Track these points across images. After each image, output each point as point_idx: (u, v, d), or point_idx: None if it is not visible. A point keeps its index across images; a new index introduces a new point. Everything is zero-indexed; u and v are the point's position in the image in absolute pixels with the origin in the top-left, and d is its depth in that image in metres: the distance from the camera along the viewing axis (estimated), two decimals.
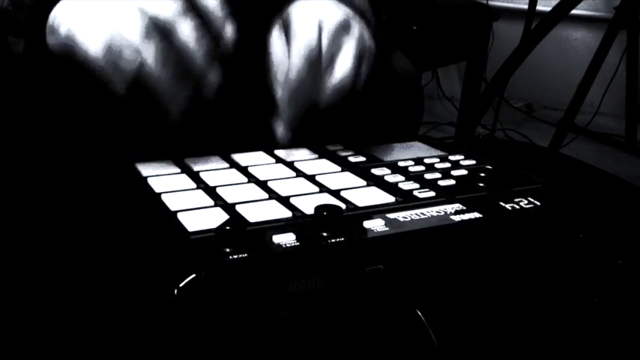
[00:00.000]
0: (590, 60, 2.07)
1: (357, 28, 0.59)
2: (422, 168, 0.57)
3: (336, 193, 0.50)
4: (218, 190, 0.49)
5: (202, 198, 0.48)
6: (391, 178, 0.54)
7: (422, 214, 0.46)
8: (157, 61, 0.51)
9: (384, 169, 0.56)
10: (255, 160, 0.57)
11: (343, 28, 0.58)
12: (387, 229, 0.43)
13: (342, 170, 0.55)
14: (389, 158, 0.60)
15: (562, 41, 2.71)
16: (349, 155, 0.60)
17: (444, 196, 0.50)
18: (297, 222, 0.44)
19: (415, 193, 0.51)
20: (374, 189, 0.51)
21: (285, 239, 0.41)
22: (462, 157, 0.60)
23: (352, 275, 0.40)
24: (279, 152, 0.59)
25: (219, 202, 0.47)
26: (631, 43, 2.33)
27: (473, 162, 0.59)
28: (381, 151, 0.62)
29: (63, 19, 0.54)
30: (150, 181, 0.51)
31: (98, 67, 0.51)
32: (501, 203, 0.49)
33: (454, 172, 0.56)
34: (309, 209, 0.46)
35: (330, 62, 0.58)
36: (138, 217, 0.48)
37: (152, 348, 0.37)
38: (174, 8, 0.52)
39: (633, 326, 0.45)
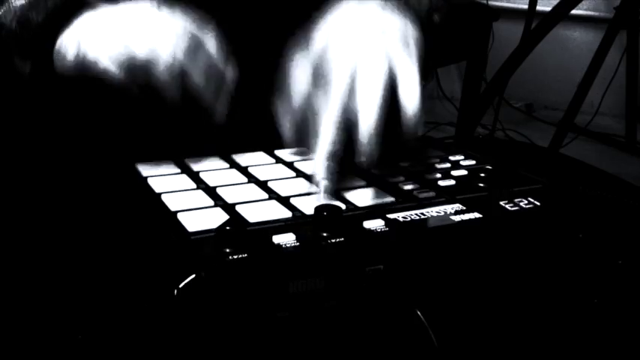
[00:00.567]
0: (590, 60, 2.07)
1: (358, 23, 0.59)
2: (422, 168, 0.57)
3: (336, 193, 0.50)
4: (218, 190, 0.49)
5: (202, 198, 0.48)
6: (391, 178, 0.54)
7: (422, 214, 0.46)
8: (166, 69, 0.51)
9: (384, 169, 0.56)
10: (255, 160, 0.57)
11: (342, 22, 0.57)
12: (387, 229, 0.43)
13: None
14: (389, 158, 0.59)
15: (562, 41, 2.70)
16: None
17: (444, 196, 0.50)
18: (297, 222, 0.44)
19: (415, 193, 0.50)
20: (374, 189, 0.51)
21: (285, 239, 0.41)
22: (462, 157, 0.60)
23: (352, 275, 0.40)
24: (279, 152, 0.59)
25: (219, 202, 0.47)
26: (631, 43, 2.33)
27: (473, 162, 0.59)
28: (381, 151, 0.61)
29: (69, 45, 0.54)
30: (150, 181, 0.51)
31: (112, 81, 0.52)
32: (501, 203, 0.49)
33: (454, 172, 0.56)
34: (309, 209, 0.46)
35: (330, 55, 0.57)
36: (138, 217, 0.48)
37: (152, 348, 0.37)
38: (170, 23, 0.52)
39: (633, 326, 0.45)
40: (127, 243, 0.44)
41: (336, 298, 0.40)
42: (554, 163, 0.86)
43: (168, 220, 0.44)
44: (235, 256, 0.38)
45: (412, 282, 0.42)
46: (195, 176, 0.52)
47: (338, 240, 0.41)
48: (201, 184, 0.51)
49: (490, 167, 0.57)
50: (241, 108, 0.56)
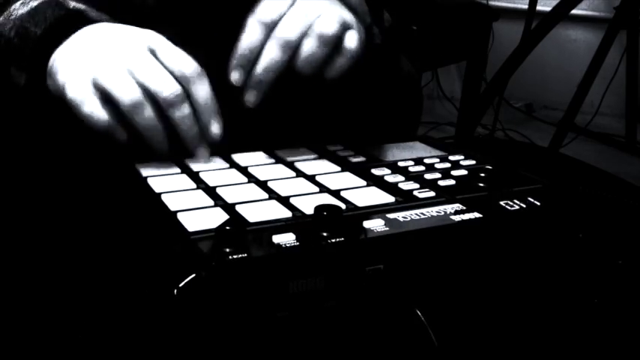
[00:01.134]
0: (590, 60, 2.07)
1: (353, 25, 0.59)
2: (422, 168, 0.57)
3: (336, 193, 0.50)
4: (218, 190, 0.49)
5: (202, 198, 0.48)
6: (391, 178, 0.54)
7: (422, 214, 0.46)
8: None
9: (384, 169, 0.56)
10: (255, 160, 0.57)
11: (338, 25, 0.58)
12: (387, 229, 0.43)
13: (342, 170, 0.55)
14: (389, 158, 0.60)
15: (562, 41, 2.71)
16: (349, 155, 0.60)
17: (444, 196, 0.50)
18: (297, 222, 0.44)
19: (415, 193, 0.51)
20: (374, 189, 0.51)
21: (285, 239, 0.41)
22: (462, 157, 0.60)
23: (352, 275, 0.40)
24: (279, 152, 0.59)
25: (219, 202, 0.47)
26: (631, 43, 2.33)
27: (473, 162, 0.59)
28: (381, 151, 0.62)
29: (59, 67, 0.55)
30: (150, 181, 0.51)
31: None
32: (501, 203, 0.49)
33: (454, 172, 0.56)
34: (309, 209, 0.46)
35: (328, 58, 0.58)
36: (138, 217, 0.48)
37: (152, 348, 0.37)
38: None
39: (633, 326, 0.45)
40: (127, 243, 0.44)
41: (336, 298, 0.40)
42: (554, 163, 0.86)
43: (168, 220, 0.44)
44: (235, 256, 0.38)
45: (412, 282, 0.42)
46: (195, 176, 0.52)
47: (338, 240, 0.41)
48: (201, 184, 0.51)
49: (490, 167, 0.57)
50: (241, 108, 0.56)
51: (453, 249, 0.44)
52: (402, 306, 0.41)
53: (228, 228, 0.39)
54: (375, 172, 0.55)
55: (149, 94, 0.52)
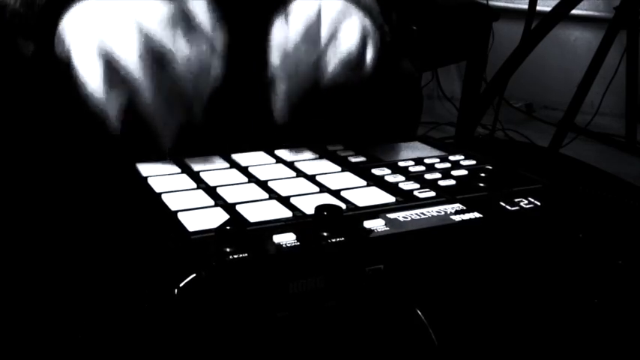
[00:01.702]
0: (590, 60, 2.07)
1: (359, 21, 0.59)
2: (422, 168, 0.57)
3: (336, 193, 0.50)
4: (218, 190, 0.49)
5: (203, 198, 0.48)
6: (391, 178, 0.54)
7: (422, 214, 0.46)
8: (152, 81, 0.51)
9: (384, 169, 0.56)
10: (255, 160, 0.57)
11: (344, 19, 0.57)
12: (387, 229, 0.43)
13: (342, 170, 0.55)
14: (389, 158, 0.60)
15: (562, 41, 2.71)
16: (349, 155, 0.60)
17: (444, 196, 0.50)
18: (297, 222, 0.44)
19: (415, 193, 0.51)
20: (374, 189, 0.51)
21: (286, 239, 0.41)
22: (462, 157, 0.60)
23: (352, 275, 0.40)
24: (279, 152, 0.60)
25: (219, 202, 0.47)
26: (631, 43, 2.33)
27: (473, 162, 0.59)
28: (381, 151, 0.62)
29: (69, 30, 0.54)
30: (150, 181, 0.51)
31: (92, 88, 0.52)
32: (501, 203, 0.49)
33: (454, 172, 0.56)
34: (309, 209, 0.46)
35: (330, 52, 0.58)
36: (138, 217, 0.48)
37: (152, 348, 0.37)
38: (168, 14, 0.52)
39: (633, 326, 0.45)
40: (127, 243, 0.44)
41: (336, 298, 0.40)
42: (554, 163, 0.86)
43: (169, 220, 0.44)
44: (236, 256, 0.38)
45: (412, 282, 0.42)
46: (195, 176, 0.53)
47: (338, 240, 0.41)
48: (201, 184, 0.51)
49: (490, 167, 0.58)
50: (241, 108, 0.56)
51: (453, 249, 0.44)
52: (403, 306, 0.41)
53: (228, 228, 0.39)
54: (376, 172, 0.55)
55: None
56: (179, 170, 0.54)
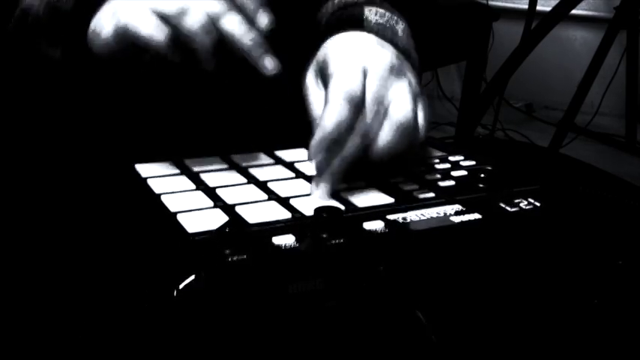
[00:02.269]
0: (590, 60, 2.07)
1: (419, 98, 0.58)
2: (422, 168, 0.57)
3: (335, 194, 0.50)
4: (218, 191, 0.49)
5: (202, 199, 0.48)
6: (391, 179, 0.54)
7: (422, 214, 0.46)
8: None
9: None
10: (254, 160, 0.57)
11: (412, 111, 0.56)
12: (387, 230, 0.43)
13: None
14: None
15: (562, 41, 2.70)
16: None
17: (444, 196, 0.50)
18: (296, 223, 0.44)
19: (415, 193, 0.50)
20: (374, 190, 0.51)
21: (285, 241, 0.40)
22: (462, 157, 0.60)
23: (352, 276, 0.40)
24: (279, 153, 0.59)
25: (218, 203, 0.47)
26: (631, 43, 2.33)
27: (473, 162, 0.59)
28: None
29: (106, 23, 0.53)
30: (150, 182, 0.51)
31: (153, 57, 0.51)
32: (501, 204, 0.49)
33: (454, 173, 0.56)
34: (308, 210, 0.46)
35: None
36: (138, 218, 0.48)
37: (152, 349, 0.37)
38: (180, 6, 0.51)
39: (633, 326, 0.45)
40: (127, 244, 0.44)
41: (336, 299, 0.40)
42: (554, 163, 0.86)
43: (168, 221, 0.44)
44: (235, 257, 0.38)
45: (412, 282, 0.42)
46: (194, 177, 0.52)
47: (338, 241, 0.41)
48: (200, 185, 0.51)
49: (490, 168, 0.57)
50: (241, 108, 0.56)
51: (452, 250, 0.44)
52: (402, 307, 0.41)
53: (227, 229, 0.39)
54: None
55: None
56: (178, 171, 0.54)
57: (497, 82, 2.13)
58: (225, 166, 0.56)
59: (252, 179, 0.53)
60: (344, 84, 0.51)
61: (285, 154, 0.59)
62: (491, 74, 2.15)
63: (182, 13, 0.49)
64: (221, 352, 0.37)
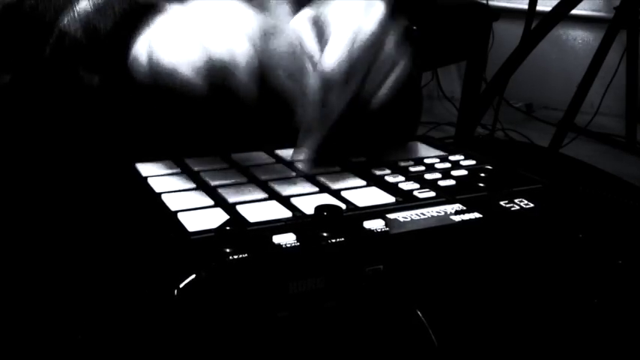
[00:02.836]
0: (590, 60, 2.07)
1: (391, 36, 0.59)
2: (422, 168, 0.57)
3: (336, 193, 0.50)
4: (218, 190, 0.49)
5: (202, 198, 0.48)
6: (391, 179, 0.54)
7: (422, 214, 0.46)
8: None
9: (384, 169, 0.56)
10: (255, 160, 0.57)
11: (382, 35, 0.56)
12: (387, 229, 0.43)
13: (342, 170, 0.55)
14: (389, 158, 0.60)
15: (562, 41, 2.71)
16: (349, 155, 0.60)
17: (444, 196, 0.50)
18: (297, 222, 0.44)
19: (415, 193, 0.51)
20: (374, 189, 0.51)
21: (285, 239, 0.41)
22: (462, 157, 0.60)
23: (352, 275, 0.40)
24: (279, 152, 0.59)
25: (219, 202, 0.47)
26: (631, 43, 2.33)
27: (473, 162, 0.59)
28: (381, 151, 0.61)
29: (148, 51, 0.51)
30: (150, 181, 0.51)
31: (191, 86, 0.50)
32: (501, 203, 0.49)
33: (454, 173, 0.56)
34: (309, 209, 0.46)
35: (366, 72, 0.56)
36: (138, 217, 0.48)
37: (152, 348, 0.37)
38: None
39: (633, 326, 0.45)
40: (127, 243, 0.44)
41: (336, 298, 0.40)
42: (554, 163, 0.86)
43: (168, 220, 0.44)
44: (235, 256, 0.38)
45: (412, 282, 0.42)
46: (195, 176, 0.52)
47: (338, 240, 0.41)
48: (201, 184, 0.51)
49: (490, 167, 0.57)
50: (241, 108, 0.56)
51: (453, 249, 0.44)
52: (402, 306, 0.41)
53: (228, 228, 0.39)
54: (375, 172, 0.55)
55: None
56: (179, 170, 0.54)
57: (497, 82, 2.13)
58: (225, 165, 0.56)
59: (252, 178, 0.53)
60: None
61: (285, 154, 0.59)
62: (491, 74, 2.15)
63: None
64: (222, 351, 0.37)
